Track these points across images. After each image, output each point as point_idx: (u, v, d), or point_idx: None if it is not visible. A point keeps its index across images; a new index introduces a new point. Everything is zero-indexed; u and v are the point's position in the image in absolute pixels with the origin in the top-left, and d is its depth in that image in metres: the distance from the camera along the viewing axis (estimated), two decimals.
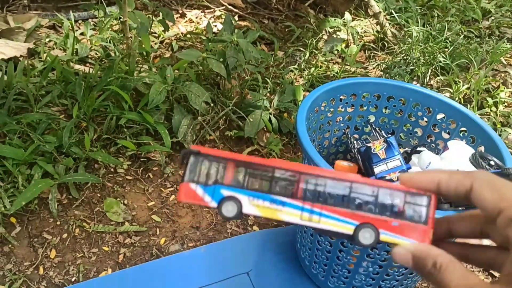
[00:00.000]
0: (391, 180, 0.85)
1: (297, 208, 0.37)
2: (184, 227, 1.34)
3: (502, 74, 2.19)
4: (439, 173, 0.37)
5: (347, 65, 2.03)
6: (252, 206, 0.37)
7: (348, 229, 0.37)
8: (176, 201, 1.41)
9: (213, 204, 0.38)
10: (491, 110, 1.86)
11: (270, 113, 1.62)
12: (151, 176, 1.46)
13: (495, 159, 1.02)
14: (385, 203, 0.37)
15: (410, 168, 0.88)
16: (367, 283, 1.13)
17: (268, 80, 1.80)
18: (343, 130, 1.32)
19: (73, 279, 1.17)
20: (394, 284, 1.13)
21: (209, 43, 1.68)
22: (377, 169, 0.89)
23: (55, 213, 1.28)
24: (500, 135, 1.74)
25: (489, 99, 1.88)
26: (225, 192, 0.38)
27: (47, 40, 2.05)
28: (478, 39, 2.46)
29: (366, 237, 0.36)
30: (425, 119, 1.27)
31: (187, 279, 1.20)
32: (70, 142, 1.37)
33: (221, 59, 1.58)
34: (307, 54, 2.06)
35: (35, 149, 1.33)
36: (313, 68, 1.96)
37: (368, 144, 0.94)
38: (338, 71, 1.95)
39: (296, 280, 1.24)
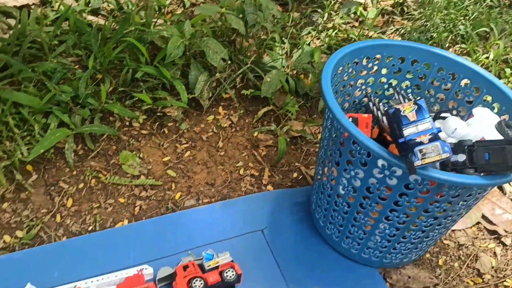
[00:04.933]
0: (421, 143, 0.85)
1: None
2: (199, 183, 1.34)
3: None
4: None
5: (365, 29, 1.99)
6: None
7: None
8: (192, 157, 1.40)
9: None
10: (508, 81, 1.83)
11: (287, 74, 1.59)
12: (166, 132, 1.45)
13: None
14: None
15: (440, 131, 0.88)
16: (382, 245, 1.14)
17: (285, 40, 1.76)
18: (364, 93, 1.30)
19: (89, 228, 1.18)
20: (409, 247, 1.14)
21: None
22: (406, 131, 0.88)
23: (71, 163, 1.27)
24: None
25: (507, 70, 1.85)
26: None
27: None
28: (498, 9, 2.40)
29: None
30: (449, 84, 1.25)
31: (202, 234, 1.20)
32: (86, 93, 1.35)
33: (240, 15, 1.54)
34: (325, 16, 2.02)
35: (51, 98, 1.31)
36: (330, 30, 1.92)
37: (397, 106, 0.92)
38: (357, 34, 1.91)
39: (310, 240, 1.25)
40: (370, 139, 0.92)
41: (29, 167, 1.26)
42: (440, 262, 1.27)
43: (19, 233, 1.13)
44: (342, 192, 1.10)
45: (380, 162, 0.95)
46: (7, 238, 1.12)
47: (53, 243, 1.13)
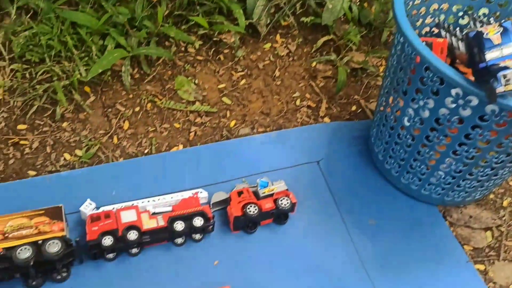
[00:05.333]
0: (505, 67, 0.77)
1: None
2: (254, 112, 1.31)
3: None
4: None
5: None
6: None
7: None
8: (247, 85, 1.37)
9: None
10: None
11: (350, 1, 1.49)
12: (222, 59, 1.41)
13: None
14: None
15: None
16: (445, 182, 1.08)
17: None
18: (436, 21, 1.20)
19: (145, 151, 1.18)
20: (475, 185, 1.08)
21: None
22: (489, 55, 0.79)
23: (127, 86, 1.27)
24: None
25: None
26: None
27: None
28: None
29: None
30: None
31: (256, 162, 1.18)
32: (142, 15, 1.32)
33: None
34: None
35: (107, 20, 1.29)
36: None
37: (479, 29, 0.84)
38: None
39: (367, 173, 1.21)
40: (446, 64, 0.85)
41: (87, 88, 1.26)
42: (505, 204, 1.20)
43: (78, 152, 1.15)
44: (407, 124, 1.04)
45: (454, 91, 0.88)
46: (67, 156, 1.14)
47: (111, 163, 1.14)
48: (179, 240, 1.01)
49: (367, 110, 1.36)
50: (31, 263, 0.84)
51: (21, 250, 0.84)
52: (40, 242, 0.87)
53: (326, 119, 1.33)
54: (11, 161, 1.11)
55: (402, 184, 1.16)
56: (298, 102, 1.36)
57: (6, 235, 0.87)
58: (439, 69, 0.85)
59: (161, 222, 0.98)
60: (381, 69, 1.47)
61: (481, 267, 1.09)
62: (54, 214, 0.93)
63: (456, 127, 0.93)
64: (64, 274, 0.91)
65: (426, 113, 0.97)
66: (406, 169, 1.12)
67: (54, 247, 0.86)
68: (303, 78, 1.42)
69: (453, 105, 0.90)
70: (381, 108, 1.15)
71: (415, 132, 1.03)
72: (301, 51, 1.48)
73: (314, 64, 1.45)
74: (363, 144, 1.27)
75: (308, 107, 1.35)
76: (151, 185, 1.10)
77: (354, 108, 1.37)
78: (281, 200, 1.05)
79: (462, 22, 1.20)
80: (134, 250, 0.97)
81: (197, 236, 1.02)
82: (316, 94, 1.39)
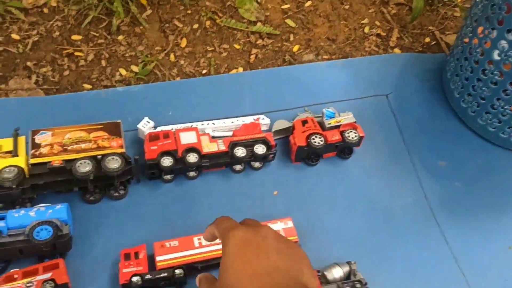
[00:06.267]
0: None
1: None
2: (319, 38, 1.21)
3: None
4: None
5: None
6: None
7: None
8: (313, 8, 1.26)
9: None
10: None
11: None
12: None
13: None
14: None
15: None
16: None
17: None
18: None
19: (203, 71, 1.12)
20: None
21: None
22: None
23: (186, 0, 1.18)
24: None
25: None
26: None
27: None
28: None
29: None
30: None
31: (320, 91, 1.10)
32: None
33: None
34: None
35: None
36: None
37: None
38: None
39: (439, 111, 1.11)
40: None
41: (143, 1, 1.18)
42: None
43: (134, 68, 1.09)
44: (498, 58, 0.93)
45: None
46: (122, 71, 1.09)
47: (168, 82, 1.08)
48: (238, 167, 0.96)
49: (442, 43, 1.24)
50: (91, 178, 0.81)
51: (81, 163, 0.81)
52: (99, 157, 0.83)
53: (397, 50, 1.22)
54: (66, 73, 1.07)
55: (478, 125, 1.07)
56: (366, 30, 1.25)
57: (65, 147, 0.84)
58: None
59: (222, 146, 0.93)
60: None
61: None
62: (113, 129, 0.89)
63: None
64: (122, 192, 0.88)
65: None
66: (486, 109, 1.02)
67: (114, 163, 0.83)
68: (374, 3, 1.30)
69: None
70: (465, 40, 1.03)
71: (505, 67, 0.92)
72: None
73: None
74: (436, 79, 1.16)
75: (378, 35, 1.24)
76: (209, 108, 1.04)
77: (427, 40, 1.25)
78: (348, 133, 0.98)
79: None
80: (192, 173, 0.93)
81: (257, 164, 0.97)
82: (387, 22, 1.27)
